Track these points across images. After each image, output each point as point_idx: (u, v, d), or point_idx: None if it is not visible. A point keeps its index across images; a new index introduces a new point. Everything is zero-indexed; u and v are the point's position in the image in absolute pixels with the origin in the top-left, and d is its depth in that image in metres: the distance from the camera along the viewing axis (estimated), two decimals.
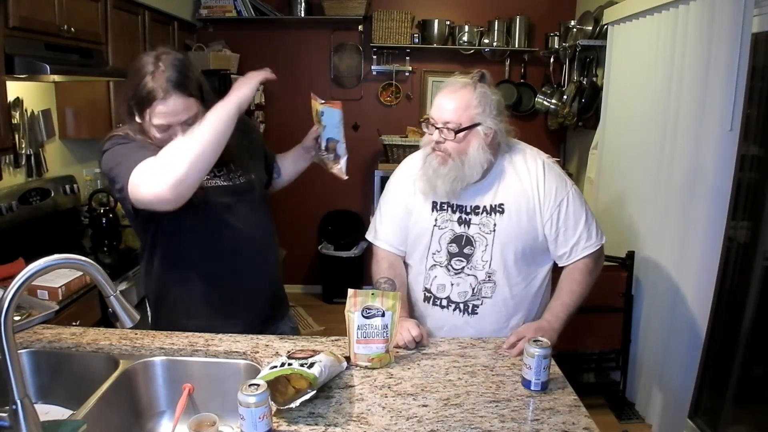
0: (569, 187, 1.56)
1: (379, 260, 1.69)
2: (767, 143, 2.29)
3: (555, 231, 1.54)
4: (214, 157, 1.26)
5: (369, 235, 1.76)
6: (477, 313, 1.57)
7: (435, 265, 1.59)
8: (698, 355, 2.33)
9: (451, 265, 1.57)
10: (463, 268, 1.56)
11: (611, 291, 2.71)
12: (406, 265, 1.70)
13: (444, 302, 1.59)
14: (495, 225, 1.54)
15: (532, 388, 1.26)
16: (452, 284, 1.57)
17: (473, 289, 1.56)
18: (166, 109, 1.31)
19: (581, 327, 2.69)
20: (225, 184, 1.50)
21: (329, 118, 1.57)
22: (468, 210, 1.56)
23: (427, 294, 1.62)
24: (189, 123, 1.33)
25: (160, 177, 1.21)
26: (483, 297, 1.56)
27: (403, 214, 1.65)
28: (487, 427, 1.12)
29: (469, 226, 1.56)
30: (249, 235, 1.52)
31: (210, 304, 1.52)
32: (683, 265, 2.40)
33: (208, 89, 1.42)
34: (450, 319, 1.59)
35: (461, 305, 1.58)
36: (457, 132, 1.45)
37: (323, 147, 1.61)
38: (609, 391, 2.88)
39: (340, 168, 1.62)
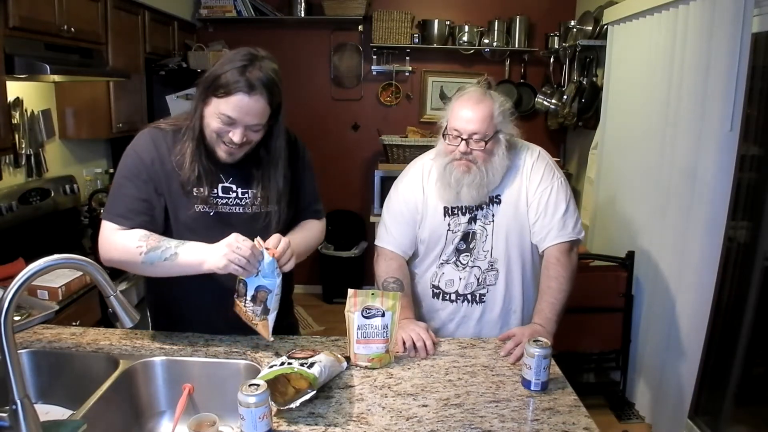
0: (556, 179, 1.61)
1: (388, 260, 1.69)
2: (767, 143, 2.29)
3: (535, 216, 1.60)
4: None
5: (378, 240, 1.74)
6: (484, 301, 1.64)
7: (443, 263, 1.65)
8: (698, 355, 2.33)
9: (459, 261, 1.64)
10: (468, 262, 1.62)
11: (611, 291, 2.71)
12: (412, 268, 1.74)
13: (453, 296, 1.65)
14: (493, 215, 1.61)
15: (532, 388, 1.26)
16: (460, 278, 1.64)
17: (478, 279, 1.63)
18: (243, 104, 1.26)
19: (581, 327, 2.69)
20: (242, 212, 1.41)
21: (263, 264, 1.28)
22: (475, 207, 1.61)
23: (435, 290, 1.68)
24: (253, 130, 1.31)
25: (104, 246, 1.37)
26: (488, 285, 1.63)
27: (411, 220, 1.68)
28: (487, 427, 1.12)
29: (475, 222, 1.62)
30: None
31: (207, 323, 1.48)
32: (683, 265, 2.40)
33: (281, 113, 1.38)
34: (459, 310, 1.66)
35: (468, 296, 1.64)
36: (486, 142, 1.51)
37: (248, 297, 1.30)
38: (609, 391, 2.88)
39: (266, 325, 1.30)
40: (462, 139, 1.52)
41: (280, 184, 1.42)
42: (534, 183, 1.60)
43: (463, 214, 1.62)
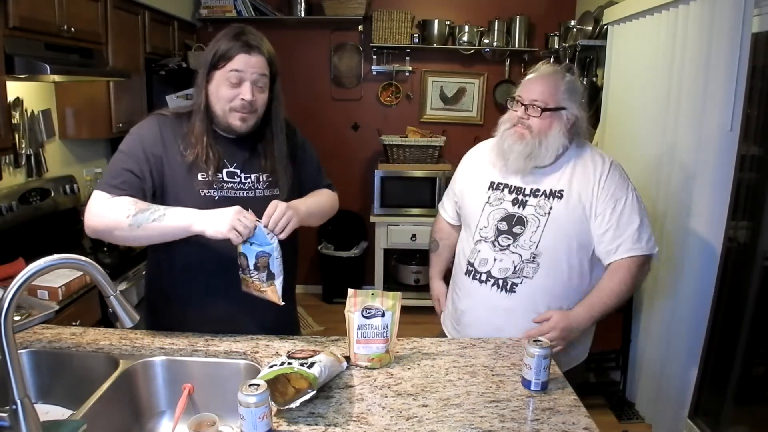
0: (630, 190, 1.57)
1: (437, 223, 1.95)
2: (767, 143, 2.29)
3: (605, 226, 1.54)
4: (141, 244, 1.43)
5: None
6: (514, 292, 1.58)
7: (481, 240, 1.64)
8: (698, 355, 2.33)
9: (497, 242, 1.60)
10: (509, 245, 1.58)
11: None
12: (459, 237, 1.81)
13: (483, 276, 1.61)
14: (551, 208, 1.56)
15: (532, 388, 1.26)
16: (495, 259, 1.60)
17: (515, 267, 1.58)
18: (246, 60, 1.36)
19: None
20: (246, 196, 1.45)
21: (255, 232, 1.31)
22: (527, 192, 1.60)
23: (469, 267, 1.66)
24: (259, 84, 1.39)
25: (91, 212, 1.36)
26: (524, 276, 1.57)
27: (459, 191, 1.78)
28: (487, 427, 1.12)
29: (524, 207, 1.59)
30: None
31: (205, 312, 1.49)
32: (683, 264, 2.40)
33: (278, 72, 1.46)
34: (486, 295, 1.61)
35: (500, 281, 1.59)
36: (543, 110, 1.53)
37: (251, 266, 1.33)
38: (609, 391, 2.88)
39: (275, 290, 1.34)
40: (522, 105, 1.55)
41: (283, 164, 1.48)
42: (608, 190, 1.54)
43: (510, 192, 1.61)
